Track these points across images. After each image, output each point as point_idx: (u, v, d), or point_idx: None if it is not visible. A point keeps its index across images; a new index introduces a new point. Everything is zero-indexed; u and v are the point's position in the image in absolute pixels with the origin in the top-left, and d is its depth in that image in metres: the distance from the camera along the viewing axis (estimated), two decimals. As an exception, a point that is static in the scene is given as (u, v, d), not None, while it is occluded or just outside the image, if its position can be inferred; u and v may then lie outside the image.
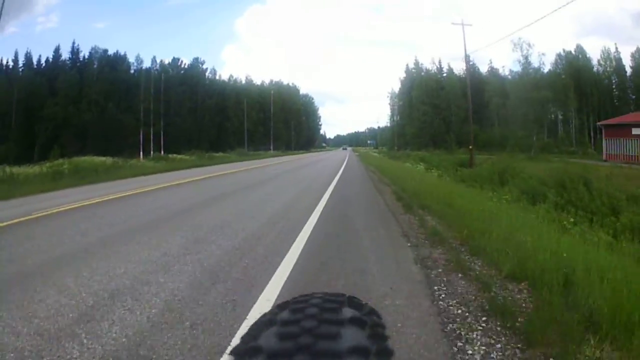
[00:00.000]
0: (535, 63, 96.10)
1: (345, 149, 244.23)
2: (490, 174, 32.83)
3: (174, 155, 69.29)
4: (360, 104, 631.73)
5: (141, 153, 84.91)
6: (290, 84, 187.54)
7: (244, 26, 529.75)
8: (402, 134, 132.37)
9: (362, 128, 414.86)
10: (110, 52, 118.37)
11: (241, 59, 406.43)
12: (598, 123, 73.88)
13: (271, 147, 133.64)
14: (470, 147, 48.35)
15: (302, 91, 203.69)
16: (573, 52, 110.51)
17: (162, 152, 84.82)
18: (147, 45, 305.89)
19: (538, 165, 42.64)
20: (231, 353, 0.86)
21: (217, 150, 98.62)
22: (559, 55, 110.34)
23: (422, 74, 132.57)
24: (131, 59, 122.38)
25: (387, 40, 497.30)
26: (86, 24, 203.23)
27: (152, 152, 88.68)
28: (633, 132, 56.34)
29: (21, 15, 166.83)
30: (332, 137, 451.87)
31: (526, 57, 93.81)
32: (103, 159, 45.93)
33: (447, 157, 62.70)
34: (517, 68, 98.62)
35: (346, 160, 58.32)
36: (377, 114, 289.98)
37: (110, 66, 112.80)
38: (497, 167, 34.81)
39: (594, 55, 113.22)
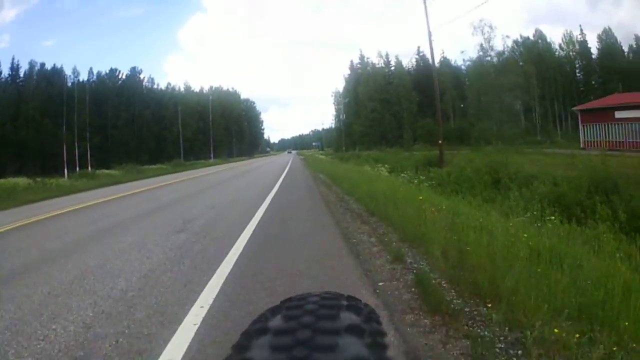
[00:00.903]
0: (498, 47, 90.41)
1: (290, 152, 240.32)
2: (477, 174, 26.83)
3: (102, 170, 63.06)
4: (304, 107, 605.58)
5: (65, 170, 77.03)
6: (231, 89, 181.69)
7: (186, 36, 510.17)
8: (349, 133, 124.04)
9: (306, 131, 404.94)
10: (49, 66, 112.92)
11: (183, 68, 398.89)
12: (574, 108, 68.32)
13: (211, 156, 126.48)
14: (440, 141, 41.27)
15: (244, 96, 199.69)
16: (532, 37, 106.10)
17: (90, 168, 77.09)
18: (94, 60, 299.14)
19: (519, 159, 35.80)
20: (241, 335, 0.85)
21: (155, 161, 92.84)
22: (515, 41, 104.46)
23: (368, 68, 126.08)
24: (69, 72, 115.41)
25: (329, 42, 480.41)
26: (35, 42, 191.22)
27: (77, 169, 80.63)
28: (616, 116, 51.64)
29: None
30: (276, 141, 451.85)
31: (488, 41, 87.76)
32: (16, 180, 41.29)
33: (405, 155, 58.00)
34: (478, 53, 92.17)
35: (287, 168, 48.57)
36: (321, 116, 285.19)
37: (47, 81, 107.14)
38: (483, 164, 29.04)
39: (555, 40, 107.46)
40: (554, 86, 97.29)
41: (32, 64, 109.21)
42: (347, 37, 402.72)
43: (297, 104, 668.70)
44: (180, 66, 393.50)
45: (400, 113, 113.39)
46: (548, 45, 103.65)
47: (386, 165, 43.06)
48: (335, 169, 35.75)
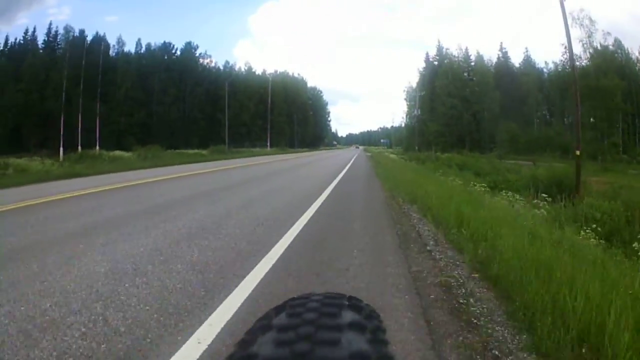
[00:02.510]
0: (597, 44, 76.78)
1: (358, 147, 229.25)
2: None
3: (115, 152, 52.63)
4: (374, 103, 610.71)
5: (61, 149, 65.23)
6: (297, 75, 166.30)
7: (257, 23, 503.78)
8: (422, 132, 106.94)
9: (374, 127, 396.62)
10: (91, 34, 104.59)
11: (254, 56, 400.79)
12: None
13: (268, 144, 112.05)
14: (578, 152, 26.43)
15: (311, 84, 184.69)
16: (611, 47, 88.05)
17: (99, 148, 68.33)
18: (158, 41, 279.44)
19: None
20: (227, 359, 0.84)
21: (205, 145, 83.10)
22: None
23: (446, 61, 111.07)
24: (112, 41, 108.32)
25: (402, 40, 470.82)
26: (98, 17, 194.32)
27: (97, 148, 68.33)
28: None
29: (32, 6, 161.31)
30: (344, 135, 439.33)
31: (588, 36, 73.34)
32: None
33: (498, 165, 47.14)
34: (577, 49, 76.55)
35: (347, 168, 35.24)
36: (392, 113, 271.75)
37: (85, 48, 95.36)
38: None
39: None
40: (635, 100, 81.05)
41: (67, 29, 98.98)
42: (420, 36, 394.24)
43: (367, 99, 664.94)
44: (249, 53, 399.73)
45: (480, 113, 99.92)
46: (627, 55, 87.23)
47: (479, 179, 30.45)
48: (417, 183, 20.53)
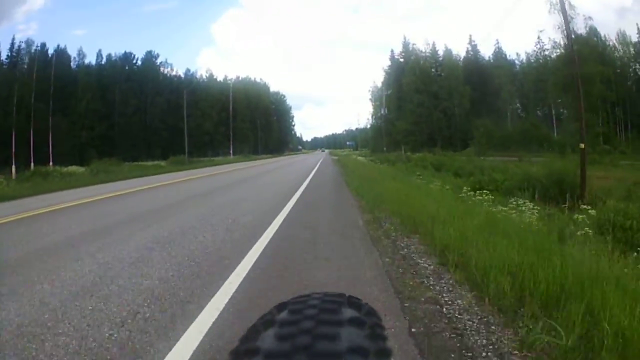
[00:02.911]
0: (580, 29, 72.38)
1: (323, 150, 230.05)
2: None
3: (70, 167, 48.21)
4: (339, 106, 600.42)
5: (13, 167, 60.35)
6: (259, 80, 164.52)
7: (221, 31, 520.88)
8: (389, 132, 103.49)
9: (339, 130, 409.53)
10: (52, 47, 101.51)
11: (218, 64, 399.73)
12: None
13: (231, 152, 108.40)
14: (582, 145, 23.10)
15: (274, 89, 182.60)
16: (583, 34, 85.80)
17: (51, 164, 62.79)
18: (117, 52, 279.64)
19: None
20: (230, 354, 0.84)
21: (167, 156, 79.80)
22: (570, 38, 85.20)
23: (412, 57, 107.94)
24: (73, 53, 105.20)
25: (366, 42, 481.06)
26: (66, 31, 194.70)
27: (32, 165, 63.61)
28: None
29: (2, 23, 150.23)
30: (309, 139, 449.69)
31: (571, 18, 70.95)
32: None
33: (479, 163, 42.06)
34: (556, 37, 73.27)
35: (313, 173, 33.32)
36: (357, 114, 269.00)
37: (45, 62, 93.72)
38: None
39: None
40: (614, 88, 78.55)
41: (29, 43, 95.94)
42: (384, 37, 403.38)
43: (332, 103, 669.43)
44: (212, 61, 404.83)
45: (450, 110, 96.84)
46: (604, 42, 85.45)
47: (461, 180, 29.20)
48: (400, 194, 15.84)
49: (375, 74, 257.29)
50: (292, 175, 31.56)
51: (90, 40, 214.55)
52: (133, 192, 22.47)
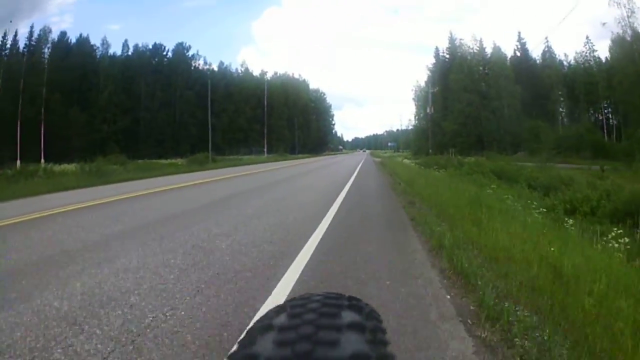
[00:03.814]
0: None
1: (364, 151, 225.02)
2: None
3: (63, 166, 41.68)
4: (379, 107, 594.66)
5: (18, 161, 54.44)
6: (298, 76, 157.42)
7: (261, 29, 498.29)
8: (434, 133, 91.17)
9: (380, 131, 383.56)
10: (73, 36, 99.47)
11: (257, 62, 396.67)
12: None
13: (265, 150, 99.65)
14: None
15: (313, 87, 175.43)
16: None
17: (43, 160, 59.73)
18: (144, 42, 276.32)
19: None
20: (228, 358, 0.81)
21: (194, 152, 72.28)
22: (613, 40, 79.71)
23: (459, 53, 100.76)
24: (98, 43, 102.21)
25: (406, 43, 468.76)
26: (100, 24, 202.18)
27: (42, 161, 58.42)
28: None
29: (34, 15, 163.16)
30: (349, 139, 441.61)
31: (629, 15, 65.04)
32: None
33: (553, 172, 33.38)
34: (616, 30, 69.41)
35: (347, 188, 20.83)
36: (399, 115, 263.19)
37: (64, 50, 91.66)
38: None
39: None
40: None
41: (45, 30, 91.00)
42: (424, 38, 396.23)
43: (372, 103, 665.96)
44: (251, 60, 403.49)
45: (500, 110, 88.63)
46: None
47: (542, 195, 23.30)
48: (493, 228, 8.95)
49: (417, 74, 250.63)
50: (323, 185, 23.54)
51: (124, 35, 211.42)
52: (131, 197, 17.44)
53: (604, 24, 73.09)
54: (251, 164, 57.27)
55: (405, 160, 63.01)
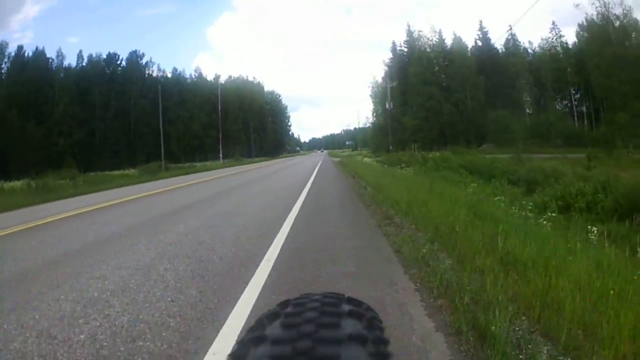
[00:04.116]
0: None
1: (322, 151, 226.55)
2: None
3: (6, 183, 39.29)
4: (336, 106, 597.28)
5: None
6: (252, 79, 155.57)
7: (216, 35, 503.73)
8: (394, 129, 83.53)
9: (337, 130, 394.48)
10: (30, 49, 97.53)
11: (213, 68, 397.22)
12: None
13: (220, 155, 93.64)
14: None
15: (269, 89, 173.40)
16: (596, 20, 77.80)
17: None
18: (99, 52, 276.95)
19: None
20: (237, 344, 0.82)
21: (149, 161, 70.26)
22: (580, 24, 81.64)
23: (417, 44, 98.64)
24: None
25: (360, 42, 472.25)
26: (59, 38, 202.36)
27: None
28: None
29: None
30: (307, 140, 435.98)
31: None
32: None
33: (532, 165, 30.46)
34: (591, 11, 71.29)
35: (304, 194, 18.44)
36: (357, 112, 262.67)
37: (20, 64, 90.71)
38: None
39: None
40: None
41: (2, 45, 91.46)
42: (379, 36, 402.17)
43: (329, 103, 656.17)
44: (207, 65, 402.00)
45: (463, 102, 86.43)
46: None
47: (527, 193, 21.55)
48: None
49: (373, 71, 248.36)
50: (270, 198, 18.67)
51: (83, 48, 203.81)
52: (69, 217, 15.57)
53: (577, 5, 72.76)
54: (204, 171, 55.31)
55: (366, 159, 60.15)
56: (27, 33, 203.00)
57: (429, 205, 11.24)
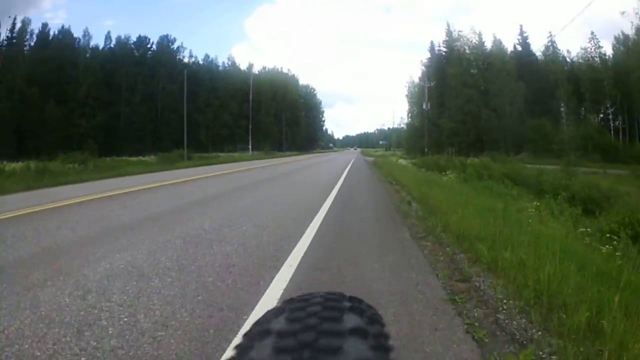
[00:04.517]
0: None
1: (355, 149, 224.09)
2: None
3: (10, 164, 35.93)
4: (370, 105, 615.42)
5: None
6: (287, 71, 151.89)
7: (253, 26, 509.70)
8: (429, 132, 79.29)
9: (371, 129, 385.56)
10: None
11: (248, 58, 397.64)
12: None
13: (249, 147, 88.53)
14: None
15: (303, 82, 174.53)
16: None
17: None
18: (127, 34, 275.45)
19: None
20: (243, 337, 0.83)
21: (178, 148, 65.17)
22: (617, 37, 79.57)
23: (457, 45, 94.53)
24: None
25: (398, 42, 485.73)
26: (94, 21, 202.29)
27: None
28: None
29: (28, 11, 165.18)
30: (340, 137, 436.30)
31: None
32: None
33: (588, 180, 26.69)
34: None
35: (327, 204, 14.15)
36: (392, 111, 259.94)
37: (44, 42, 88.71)
38: None
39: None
40: None
41: (25, 22, 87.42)
42: (416, 37, 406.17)
43: (364, 101, 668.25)
44: (245, 57, 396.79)
45: (502, 108, 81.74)
46: None
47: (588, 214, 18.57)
48: None
49: (410, 72, 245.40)
50: (277, 211, 13.74)
51: (118, 32, 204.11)
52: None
53: (623, 12, 69.92)
54: (230, 162, 52.41)
55: (401, 161, 56.76)
56: (59, 13, 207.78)
57: (512, 240, 7.39)
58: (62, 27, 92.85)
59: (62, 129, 77.40)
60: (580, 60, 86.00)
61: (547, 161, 46.90)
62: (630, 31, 72.08)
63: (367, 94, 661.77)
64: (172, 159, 51.41)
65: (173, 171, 33.83)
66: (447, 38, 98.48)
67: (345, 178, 25.73)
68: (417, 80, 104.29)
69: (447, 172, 32.14)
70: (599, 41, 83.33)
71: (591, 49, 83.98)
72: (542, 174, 29.64)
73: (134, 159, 55.23)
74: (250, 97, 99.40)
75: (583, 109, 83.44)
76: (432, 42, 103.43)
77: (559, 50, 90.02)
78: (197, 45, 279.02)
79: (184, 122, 69.06)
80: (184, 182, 23.11)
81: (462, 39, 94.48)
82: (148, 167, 39.24)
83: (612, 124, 79.35)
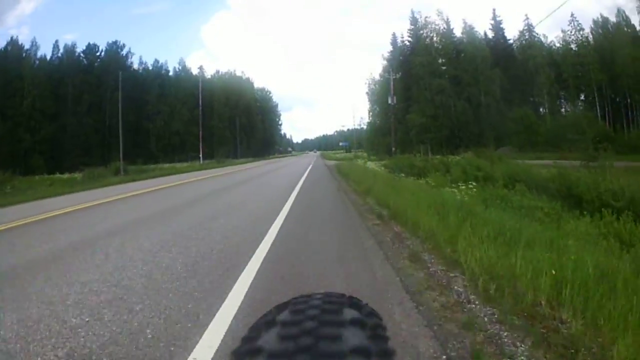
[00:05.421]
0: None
1: (315, 152, 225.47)
2: None
3: None
4: (329, 108, 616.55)
5: None
6: (241, 74, 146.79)
7: (210, 33, 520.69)
8: (396, 129, 72.19)
9: (330, 131, 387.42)
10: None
11: (206, 66, 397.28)
12: None
13: (200, 156, 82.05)
14: None
15: (258, 85, 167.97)
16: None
17: None
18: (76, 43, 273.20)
19: None
20: (232, 354, 0.85)
21: (132, 161, 65.22)
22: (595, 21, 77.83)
23: (423, 33, 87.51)
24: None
25: (357, 43, 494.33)
26: (56, 35, 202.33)
27: None
28: None
29: None
30: (299, 141, 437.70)
31: None
32: None
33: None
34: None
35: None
36: (351, 112, 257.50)
37: None
38: None
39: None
40: None
41: None
42: (374, 39, 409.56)
43: (322, 104, 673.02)
44: (201, 64, 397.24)
45: (477, 98, 75.58)
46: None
47: None
48: None
49: (370, 70, 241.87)
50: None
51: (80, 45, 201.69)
52: None
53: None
54: (169, 174, 44.82)
55: (370, 164, 47.02)
56: (22, 29, 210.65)
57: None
58: (11, 38, 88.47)
59: (6, 144, 72.82)
60: (559, 44, 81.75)
61: (536, 155, 42.83)
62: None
63: (326, 96, 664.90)
64: (103, 174, 45.25)
65: (93, 191, 26.64)
66: (413, 26, 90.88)
67: (292, 203, 15.26)
68: (377, 77, 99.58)
69: (427, 175, 26.78)
70: (579, 23, 78.83)
71: (571, 32, 79.58)
72: (563, 174, 21.30)
73: (65, 176, 52.30)
74: (200, 102, 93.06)
75: (564, 95, 79.23)
76: (394, 34, 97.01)
77: (536, 34, 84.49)
78: (154, 54, 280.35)
79: (119, 129, 64.44)
80: (84, 209, 16.11)
81: (429, 26, 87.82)
82: (66, 188, 31.84)
83: (598, 112, 73.13)
